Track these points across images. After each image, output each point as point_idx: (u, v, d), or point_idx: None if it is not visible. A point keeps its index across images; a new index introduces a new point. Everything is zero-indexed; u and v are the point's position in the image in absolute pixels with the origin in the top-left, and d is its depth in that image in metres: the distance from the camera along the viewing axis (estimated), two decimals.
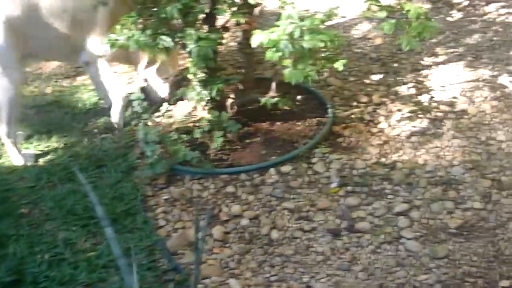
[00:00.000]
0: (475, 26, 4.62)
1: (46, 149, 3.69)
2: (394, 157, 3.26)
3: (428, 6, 4.89)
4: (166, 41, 2.93)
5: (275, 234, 2.85)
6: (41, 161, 3.57)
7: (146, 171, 3.25)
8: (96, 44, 3.57)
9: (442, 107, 3.61)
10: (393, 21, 2.90)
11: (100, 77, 3.74)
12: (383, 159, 3.26)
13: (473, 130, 3.40)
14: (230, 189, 3.15)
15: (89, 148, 3.62)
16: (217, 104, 3.43)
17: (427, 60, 4.16)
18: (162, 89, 3.88)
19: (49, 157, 3.60)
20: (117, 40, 2.96)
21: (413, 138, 3.38)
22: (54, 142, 3.74)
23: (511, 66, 3.98)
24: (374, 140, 3.41)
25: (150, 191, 3.20)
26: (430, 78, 3.95)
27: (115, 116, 3.77)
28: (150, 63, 3.75)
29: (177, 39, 3.03)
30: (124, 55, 3.73)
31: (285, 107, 3.43)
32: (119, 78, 3.86)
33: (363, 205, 2.97)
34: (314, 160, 3.28)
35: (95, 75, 3.75)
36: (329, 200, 3.02)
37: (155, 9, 3.03)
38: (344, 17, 4.77)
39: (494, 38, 4.38)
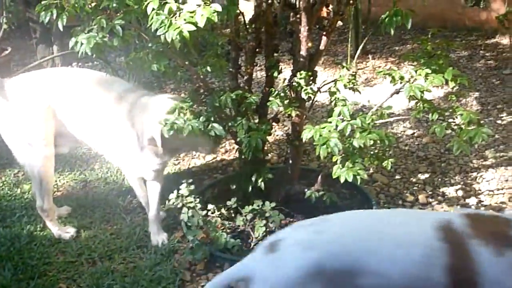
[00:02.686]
0: None
1: (89, 224, 3.72)
2: None
3: (478, 108, 4.89)
4: (218, 129, 2.97)
5: None
6: (83, 235, 3.59)
7: (186, 256, 3.24)
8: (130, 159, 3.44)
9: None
10: (444, 124, 2.87)
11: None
12: None
13: None
14: None
15: (131, 226, 3.63)
16: (261, 193, 3.43)
17: (475, 163, 4.11)
18: None
19: (91, 232, 3.62)
20: (175, 123, 2.97)
21: None
22: (97, 219, 3.77)
23: None
24: None
25: (189, 276, 3.16)
26: (479, 181, 3.89)
27: (152, 231, 3.53)
28: None
29: (228, 128, 3.09)
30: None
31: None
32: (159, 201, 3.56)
33: None
34: None
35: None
36: None
37: (208, 97, 3.11)
38: (392, 113, 4.76)
39: None
